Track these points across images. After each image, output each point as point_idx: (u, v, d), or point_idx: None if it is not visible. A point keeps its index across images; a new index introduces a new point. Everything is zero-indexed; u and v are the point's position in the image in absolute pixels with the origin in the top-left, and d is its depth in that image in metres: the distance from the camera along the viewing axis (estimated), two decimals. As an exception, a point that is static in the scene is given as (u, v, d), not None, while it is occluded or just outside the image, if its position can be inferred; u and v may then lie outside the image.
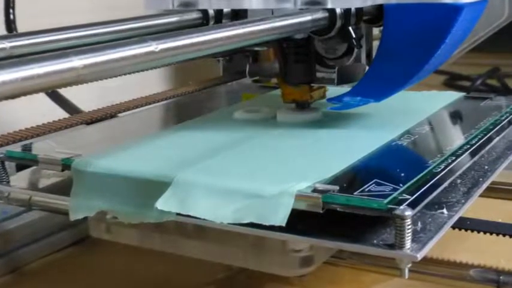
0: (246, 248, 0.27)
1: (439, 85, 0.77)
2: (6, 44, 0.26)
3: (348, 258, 0.35)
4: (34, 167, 0.31)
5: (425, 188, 0.25)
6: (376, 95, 0.32)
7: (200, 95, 0.42)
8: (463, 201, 0.26)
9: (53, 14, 0.46)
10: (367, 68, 0.34)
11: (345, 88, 0.34)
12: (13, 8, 0.43)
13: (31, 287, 0.37)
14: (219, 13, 0.33)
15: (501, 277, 0.33)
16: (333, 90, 0.35)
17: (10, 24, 0.43)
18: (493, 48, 0.70)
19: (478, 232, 0.32)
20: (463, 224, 0.31)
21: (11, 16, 0.42)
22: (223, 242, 0.28)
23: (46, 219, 0.38)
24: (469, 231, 0.32)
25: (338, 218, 0.24)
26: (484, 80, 0.74)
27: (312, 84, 0.35)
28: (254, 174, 0.27)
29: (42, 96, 0.42)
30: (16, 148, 0.31)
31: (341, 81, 0.34)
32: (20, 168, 0.31)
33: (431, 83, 0.75)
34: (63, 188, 0.29)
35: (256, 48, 0.34)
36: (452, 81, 0.79)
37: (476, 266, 0.33)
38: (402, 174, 0.26)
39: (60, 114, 0.39)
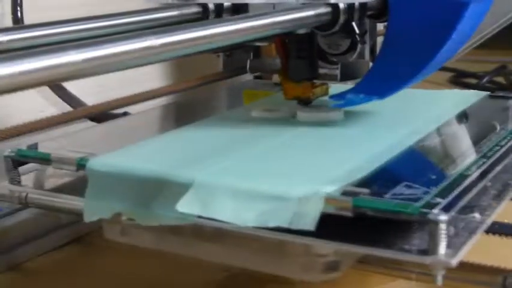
0: (267, 251, 0.26)
1: (444, 83, 0.77)
2: (4, 38, 0.25)
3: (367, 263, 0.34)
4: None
5: (457, 191, 0.24)
6: (380, 92, 0.32)
7: (215, 91, 0.41)
8: (494, 204, 0.25)
9: (57, 8, 0.46)
10: (370, 64, 0.33)
11: (348, 85, 0.33)
12: (20, 6, 0.42)
13: (27, 285, 0.36)
14: (219, 7, 0.32)
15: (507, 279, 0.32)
16: (336, 88, 0.35)
17: (18, 22, 0.43)
18: (500, 45, 0.70)
19: (487, 233, 0.31)
20: (492, 228, 0.30)
21: (19, 14, 0.42)
22: (243, 245, 0.26)
23: (39, 218, 0.37)
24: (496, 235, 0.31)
25: (363, 221, 0.23)
26: (491, 78, 0.73)
27: (315, 81, 0.34)
28: (278, 175, 0.25)
29: (41, 91, 0.42)
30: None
31: (344, 77, 0.33)
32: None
33: (437, 80, 0.74)
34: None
35: (258, 44, 0.33)
36: (458, 79, 0.78)
37: (482, 267, 0.33)
38: (432, 177, 0.25)
39: (57, 110, 0.39)
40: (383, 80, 0.31)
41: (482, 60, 0.81)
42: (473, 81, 0.76)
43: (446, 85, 0.76)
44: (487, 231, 0.32)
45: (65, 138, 0.33)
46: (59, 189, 0.30)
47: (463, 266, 0.33)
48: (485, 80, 0.73)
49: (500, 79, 0.75)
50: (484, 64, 0.79)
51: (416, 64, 0.31)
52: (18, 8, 0.42)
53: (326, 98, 0.35)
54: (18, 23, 0.43)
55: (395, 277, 0.34)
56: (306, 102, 0.35)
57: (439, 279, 0.22)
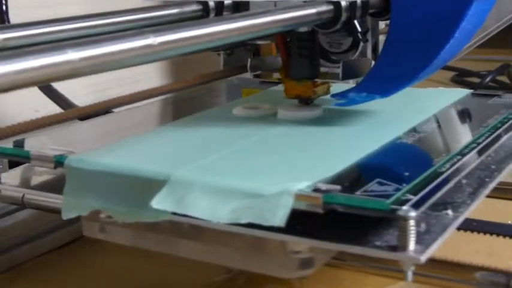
0: (244, 248, 0.27)
1: (447, 82, 0.76)
2: (0, 36, 0.25)
3: (350, 260, 0.34)
4: (27, 164, 0.30)
5: (429, 188, 0.24)
6: (382, 90, 0.31)
7: (201, 90, 0.41)
8: (468, 202, 0.25)
9: (48, 5, 0.45)
10: (372, 63, 0.33)
11: (350, 84, 0.33)
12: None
13: (27, 285, 0.36)
14: (219, 5, 0.32)
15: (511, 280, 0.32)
16: (336, 86, 0.34)
17: (3, 16, 0.42)
18: (504, 44, 0.69)
19: (485, 234, 0.31)
20: (469, 226, 0.31)
21: (3, 7, 0.42)
22: (220, 242, 0.27)
23: (39, 218, 0.37)
24: (475, 233, 0.31)
25: (339, 218, 0.23)
26: (494, 77, 0.73)
27: (316, 80, 0.34)
28: (253, 173, 0.26)
29: (35, 91, 0.42)
30: (8, 143, 0.31)
31: (346, 76, 0.33)
32: (12, 165, 0.31)
33: (439, 79, 0.74)
34: (57, 186, 0.28)
35: (258, 42, 0.33)
36: (460, 78, 0.78)
37: (484, 268, 0.33)
38: (406, 174, 0.25)
39: (53, 110, 0.38)
40: (385, 79, 0.31)
41: (485, 59, 0.81)
42: (476, 80, 0.75)
43: (449, 84, 0.76)
44: (491, 233, 0.31)
45: (49, 136, 0.32)
46: (39, 187, 0.30)
47: (465, 267, 0.33)
48: (488, 79, 0.72)
49: (503, 78, 0.74)
50: (487, 63, 0.79)
51: (419, 63, 0.30)
52: (4, 2, 0.42)
53: (328, 96, 0.35)
54: (2, 16, 0.42)
55: (395, 278, 0.34)
56: (307, 101, 0.34)
57: (409, 275, 0.22)
